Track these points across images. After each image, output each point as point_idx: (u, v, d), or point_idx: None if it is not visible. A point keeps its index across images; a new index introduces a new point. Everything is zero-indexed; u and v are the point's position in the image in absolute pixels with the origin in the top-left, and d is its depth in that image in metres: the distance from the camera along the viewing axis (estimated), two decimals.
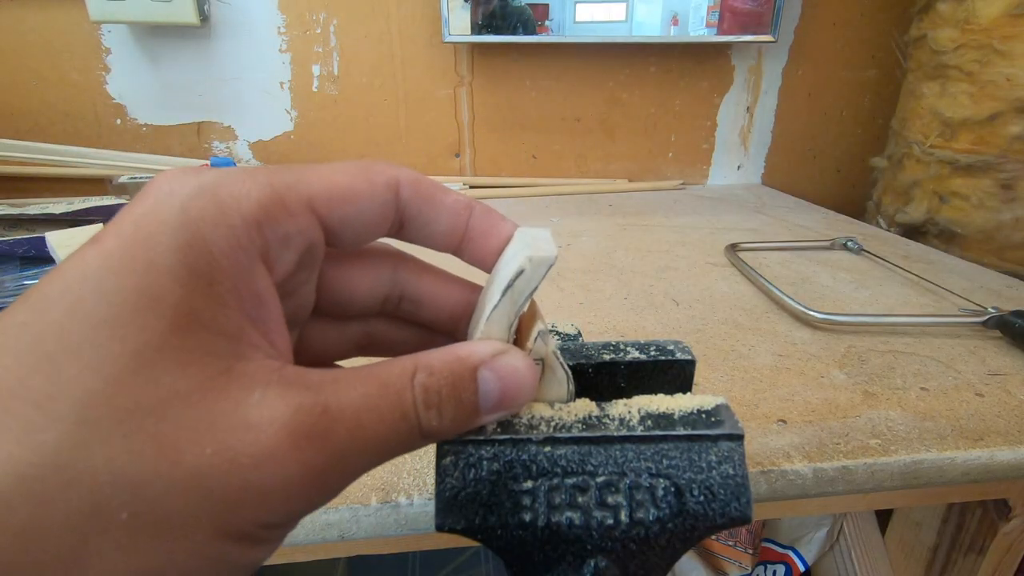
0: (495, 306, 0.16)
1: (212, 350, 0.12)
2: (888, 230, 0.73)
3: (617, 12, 0.77)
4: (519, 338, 0.17)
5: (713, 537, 0.72)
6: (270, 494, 0.12)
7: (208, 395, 0.12)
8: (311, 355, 0.19)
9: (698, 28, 0.78)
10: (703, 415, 0.17)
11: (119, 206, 0.64)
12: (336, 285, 0.18)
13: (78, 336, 0.11)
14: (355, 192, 0.15)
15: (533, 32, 0.76)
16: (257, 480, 0.12)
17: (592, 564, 0.16)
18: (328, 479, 0.13)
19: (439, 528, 0.16)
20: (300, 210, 0.14)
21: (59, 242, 0.47)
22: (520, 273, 0.15)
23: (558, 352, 0.17)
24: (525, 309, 0.16)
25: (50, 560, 0.10)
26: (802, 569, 0.70)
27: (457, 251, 0.18)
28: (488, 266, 0.18)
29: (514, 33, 0.76)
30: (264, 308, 0.13)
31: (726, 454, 0.16)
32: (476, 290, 0.19)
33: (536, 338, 0.17)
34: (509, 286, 0.16)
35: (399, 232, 0.17)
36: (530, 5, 0.75)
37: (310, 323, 0.18)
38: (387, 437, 0.13)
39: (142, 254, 0.12)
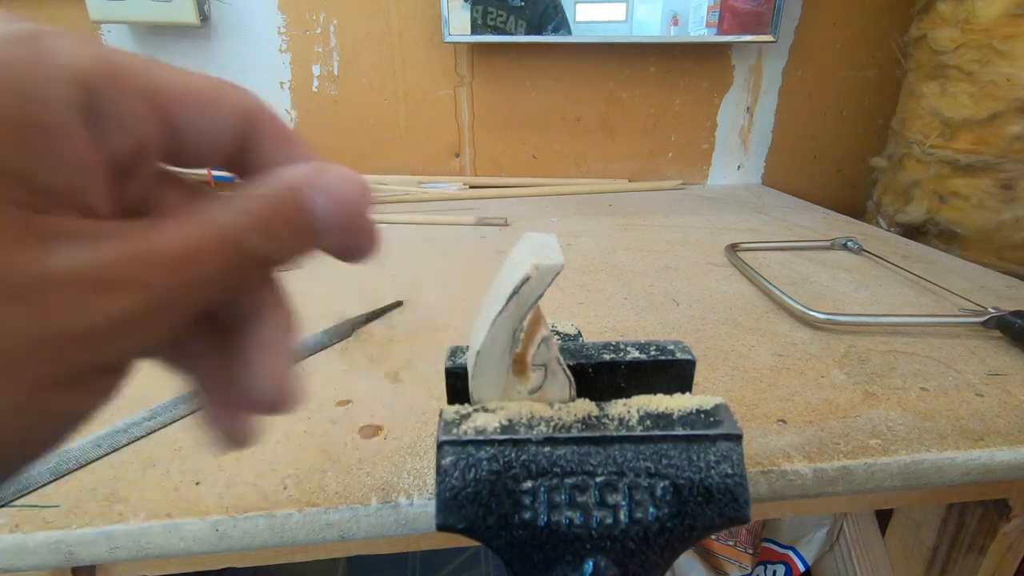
0: (500, 311, 0.16)
1: (13, 199, 0.11)
2: (888, 230, 0.73)
3: (617, 12, 0.77)
4: (523, 343, 0.17)
5: (713, 537, 0.72)
6: (89, 336, 0.11)
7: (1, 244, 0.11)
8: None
9: (698, 28, 0.78)
10: (702, 415, 0.17)
11: None
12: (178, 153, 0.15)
13: None
14: (207, 98, 0.15)
15: (567, 31, 0.77)
16: (70, 325, 0.11)
17: (591, 563, 0.16)
18: (155, 318, 0.12)
19: (440, 528, 0.16)
20: (137, 95, 0.13)
21: None
22: (526, 280, 0.16)
23: (561, 358, 0.18)
24: (529, 315, 0.16)
25: None
26: (802, 569, 0.70)
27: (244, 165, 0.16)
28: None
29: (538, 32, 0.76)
30: (85, 174, 0.12)
31: (724, 454, 0.16)
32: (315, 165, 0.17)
33: (540, 344, 0.17)
34: (515, 292, 0.16)
35: (240, 160, 0.16)
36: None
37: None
38: (214, 269, 0.13)
39: None
